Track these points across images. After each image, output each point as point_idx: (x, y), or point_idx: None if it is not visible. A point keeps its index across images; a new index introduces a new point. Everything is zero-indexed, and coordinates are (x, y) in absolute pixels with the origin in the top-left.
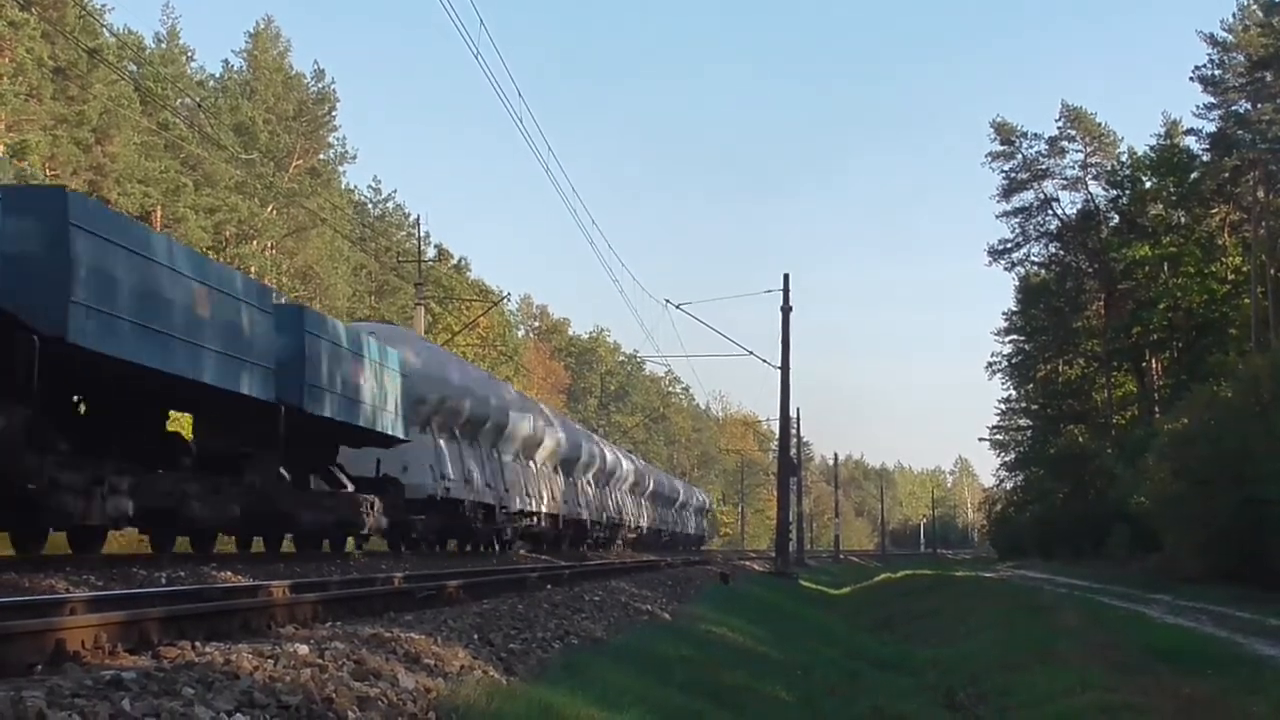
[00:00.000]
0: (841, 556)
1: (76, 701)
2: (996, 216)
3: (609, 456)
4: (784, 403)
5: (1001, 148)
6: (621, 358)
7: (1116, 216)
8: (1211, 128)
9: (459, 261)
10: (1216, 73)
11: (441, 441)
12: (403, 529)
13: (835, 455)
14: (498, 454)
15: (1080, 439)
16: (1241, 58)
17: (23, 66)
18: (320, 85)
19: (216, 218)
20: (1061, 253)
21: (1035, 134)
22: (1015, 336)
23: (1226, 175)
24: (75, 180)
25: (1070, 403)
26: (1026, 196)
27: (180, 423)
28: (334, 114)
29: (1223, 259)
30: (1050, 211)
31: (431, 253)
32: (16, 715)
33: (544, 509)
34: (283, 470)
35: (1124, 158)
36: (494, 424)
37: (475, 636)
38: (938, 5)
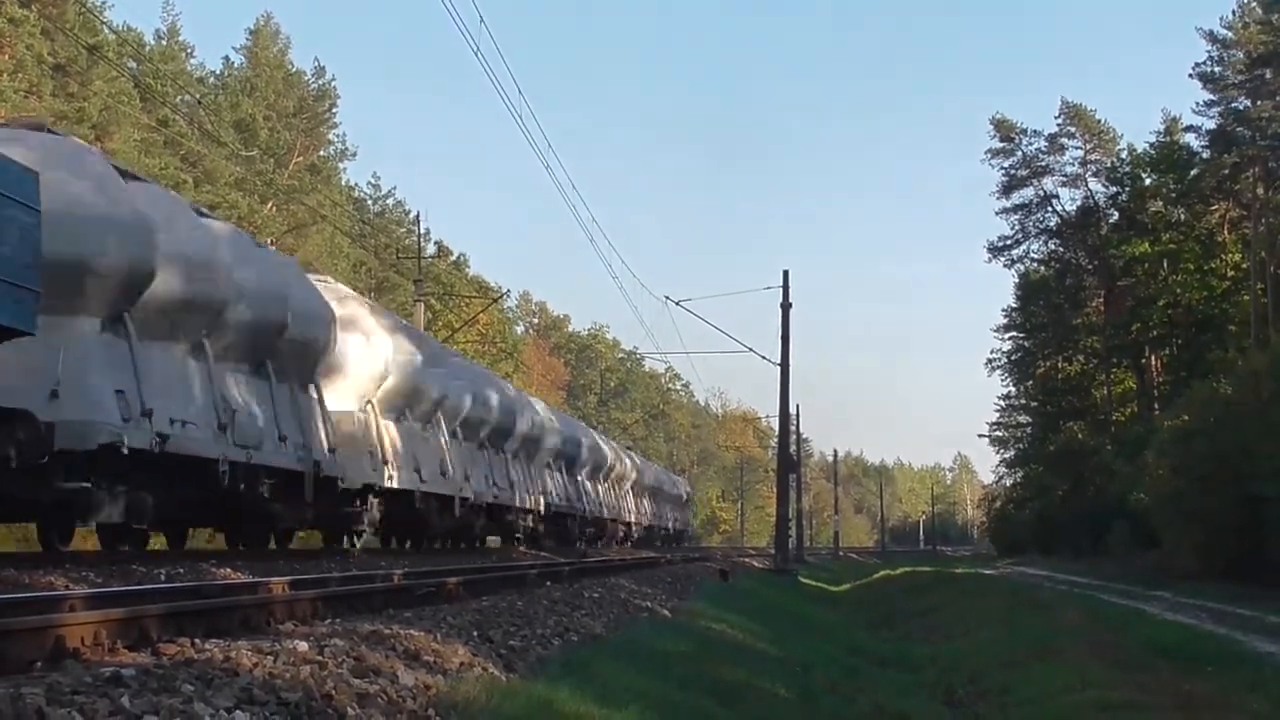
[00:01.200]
0: (841, 553)
1: (76, 698)
2: (996, 213)
3: (541, 420)
4: (783, 399)
5: (1001, 144)
6: (621, 354)
7: (1116, 213)
8: (1211, 125)
9: (458, 258)
10: (1216, 70)
11: (167, 352)
12: (54, 505)
13: (835, 452)
14: (315, 394)
15: (1080, 436)
16: (1241, 55)
17: (22, 63)
18: (320, 82)
19: (216, 214)
20: (1061, 249)
21: (1035, 131)
22: (1015, 333)
23: (1226, 172)
24: None
25: (1070, 399)
26: (1026, 193)
27: None
28: (334, 111)
29: (1222, 256)
30: (1050, 208)
31: (431, 249)
32: (16, 712)
33: (434, 488)
34: None
35: (1124, 154)
36: (299, 340)
37: (475, 633)
38: (938, 3)
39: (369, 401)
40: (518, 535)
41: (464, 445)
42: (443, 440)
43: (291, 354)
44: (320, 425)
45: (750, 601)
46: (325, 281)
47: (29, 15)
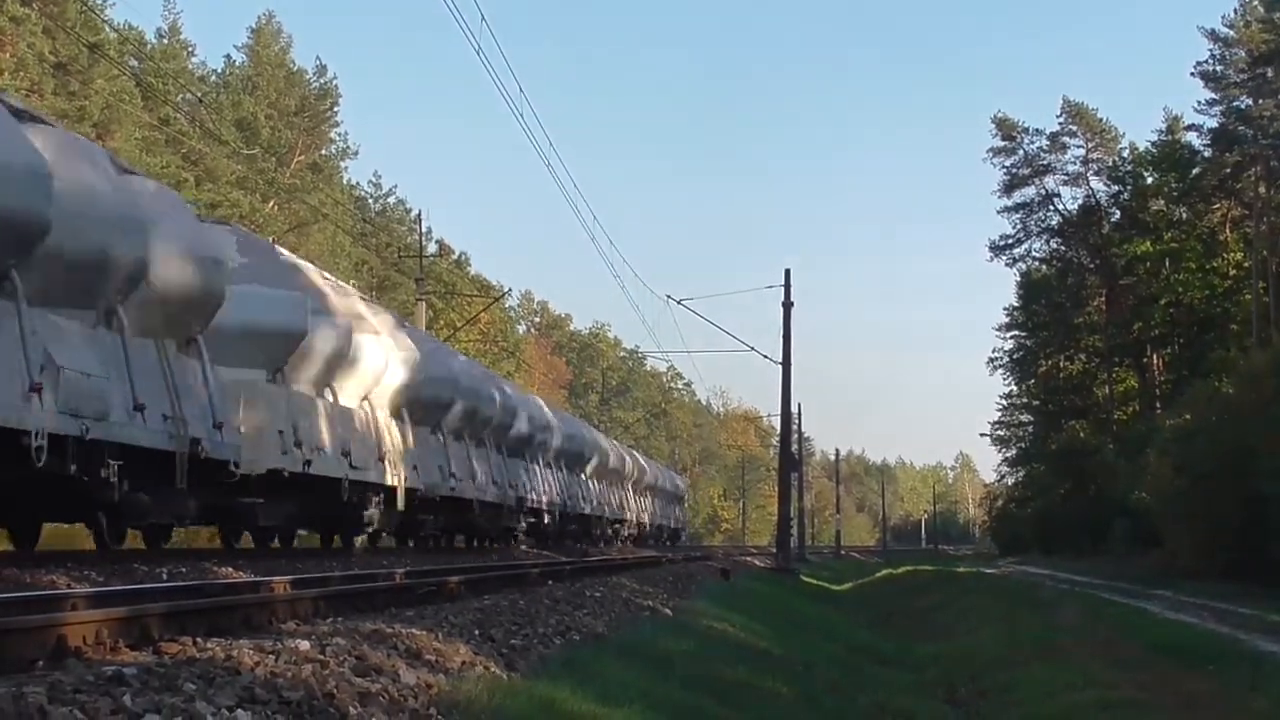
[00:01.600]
0: (843, 552)
1: (78, 697)
2: (998, 212)
3: (524, 410)
4: (785, 398)
5: (1003, 143)
6: (623, 353)
7: (1118, 212)
8: (1213, 123)
9: (459, 257)
10: (1218, 68)
11: None
12: None
13: (836, 451)
14: (198, 357)
15: (1081, 435)
16: (1243, 53)
17: (24, 62)
18: (322, 81)
19: (218, 213)
20: (1063, 248)
21: (1036, 130)
22: (1017, 332)
23: (1228, 171)
24: None
25: (1071, 398)
26: (1028, 192)
27: None
28: (336, 110)
29: (1224, 255)
30: (1052, 207)
31: (432, 248)
32: (18, 711)
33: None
34: None
35: (1125, 153)
36: (171, 287)
37: (476, 632)
38: (939, 1)
39: (279, 369)
40: (491, 535)
41: (414, 429)
42: (381, 421)
43: (159, 303)
44: (204, 395)
45: (752, 601)
46: (229, 226)
47: (30, 14)
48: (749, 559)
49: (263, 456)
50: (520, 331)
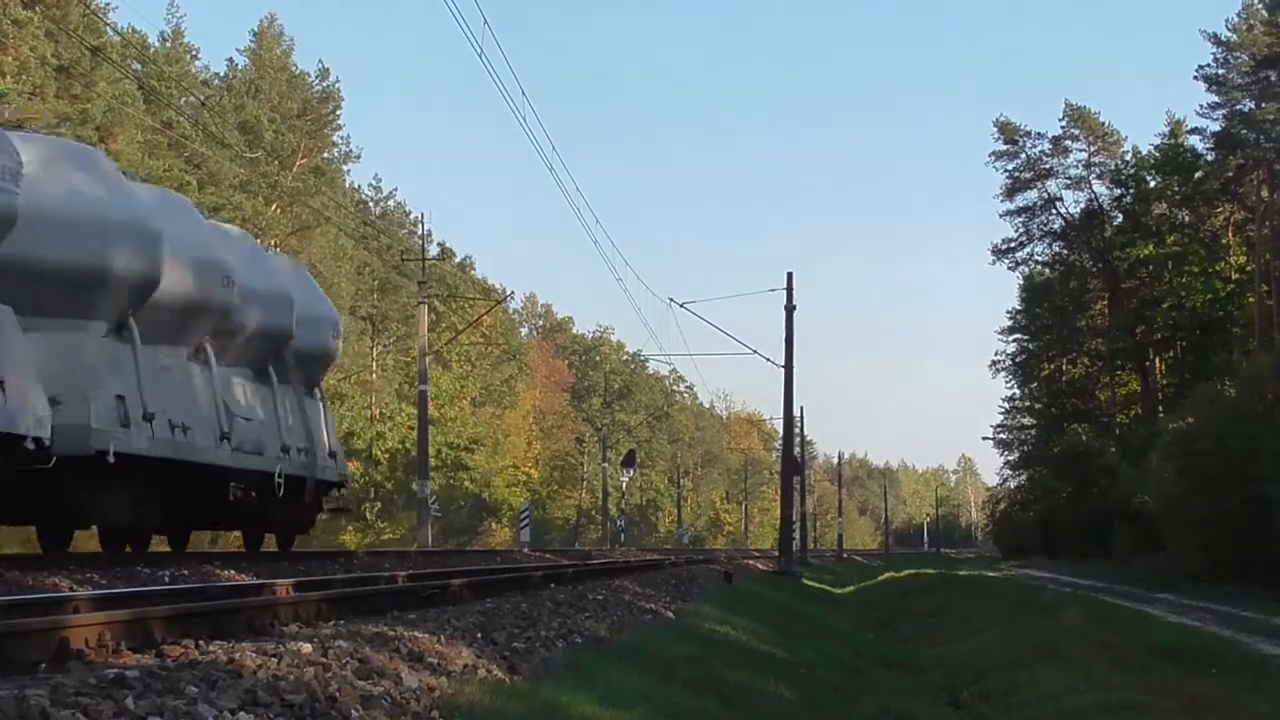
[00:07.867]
0: (845, 555)
1: (80, 700)
2: (1000, 215)
3: None
4: (788, 402)
5: (1005, 147)
6: (625, 356)
7: (1120, 216)
8: (1216, 127)
9: (463, 260)
10: (1221, 72)
11: None
12: None
13: (839, 454)
14: None
15: (1084, 438)
16: (1246, 57)
17: (26, 65)
18: (324, 84)
19: (220, 216)
20: (1065, 252)
21: (1039, 133)
22: (1019, 335)
23: (1231, 174)
24: None
25: (1074, 402)
26: (1030, 196)
27: None
28: (338, 113)
29: (1227, 258)
30: (1054, 211)
31: (434, 251)
32: (20, 713)
33: None
34: None
35: (1128, 157)
36: None
37: (479, 635)
38: (941, 2)
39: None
40: None
41: None
42: None
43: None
44: None
45: (754, 603)
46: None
47: (33, 16)
48: (751, 562)
49: None
50: (524, 334)
